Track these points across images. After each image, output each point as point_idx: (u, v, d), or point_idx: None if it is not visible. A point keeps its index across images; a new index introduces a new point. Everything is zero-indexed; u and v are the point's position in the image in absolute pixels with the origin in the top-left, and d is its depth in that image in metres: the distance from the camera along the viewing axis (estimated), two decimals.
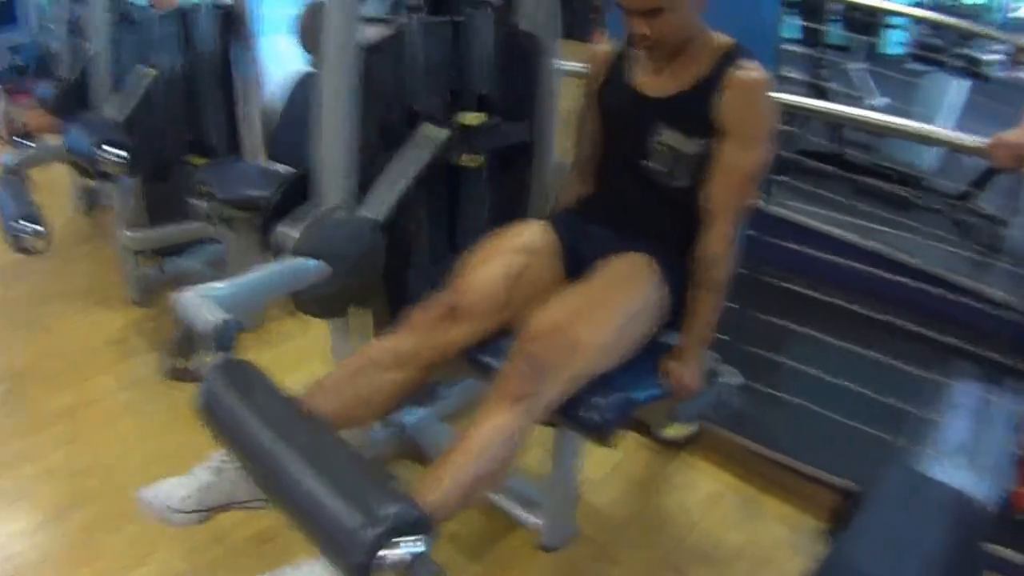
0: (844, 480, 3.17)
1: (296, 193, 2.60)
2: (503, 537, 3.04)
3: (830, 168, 4.63)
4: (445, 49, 2.79)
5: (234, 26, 4.54)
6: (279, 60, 4.56)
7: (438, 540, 1.72)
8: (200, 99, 4.60)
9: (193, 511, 2.13)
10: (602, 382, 2.16)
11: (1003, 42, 7.87)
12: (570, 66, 2.93)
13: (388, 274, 2.75)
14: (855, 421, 3.17)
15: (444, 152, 2.72)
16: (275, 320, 4.33)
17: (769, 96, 2.25)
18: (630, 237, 2.39)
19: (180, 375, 2.26)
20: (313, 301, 2.58)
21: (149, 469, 3.27)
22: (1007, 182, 5.09)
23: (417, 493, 1.87)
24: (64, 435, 3.56)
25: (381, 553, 1.56)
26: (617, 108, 2.47)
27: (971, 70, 6.78)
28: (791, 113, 3.65)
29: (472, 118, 2.83)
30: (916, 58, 7.49)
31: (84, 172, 4.36)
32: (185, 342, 2.15)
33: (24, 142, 5.10)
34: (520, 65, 2.89)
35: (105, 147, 3.81)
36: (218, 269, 4.60)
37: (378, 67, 2.58)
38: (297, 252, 2.44)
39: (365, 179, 2.59)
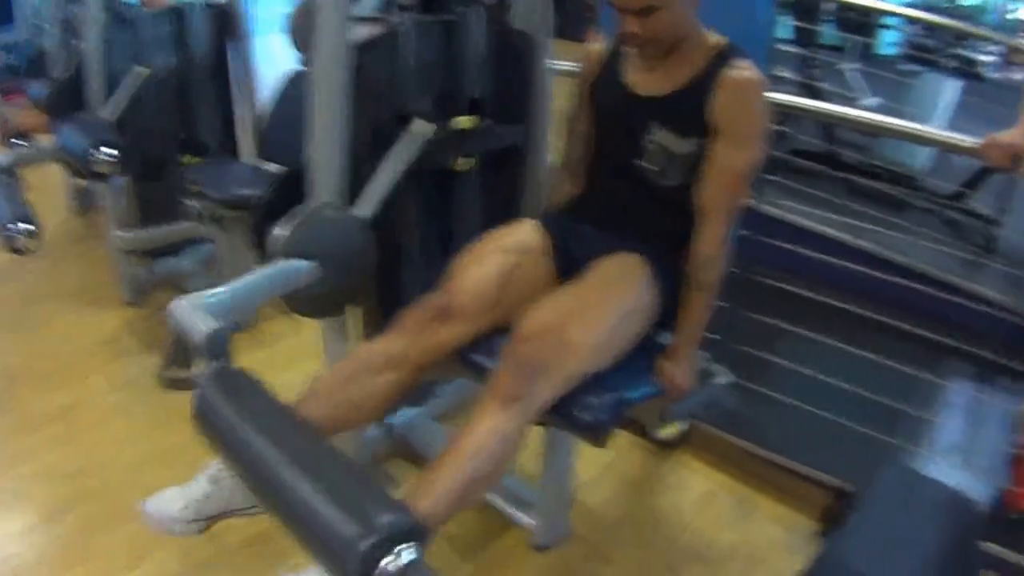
0: (838, 480, 3.18)
1: (287, 192, 2.59)
2: (496, 536, 3.04)
3: (823, 168, 4.63)
4: (437, 48, 2.78)
5: (227, 25, 4.54)
6: (272, 59, 4.55)
7: (432, 542, 1.73)
8: (193, 98, 4.59)
9: (192, 521, 2.13)
10: (595, 382, 2.16)
11: (997, 43, 7.89)
12: (563, 65, 2.93)
13: (380, 276, 2.75)
14: (849, 421, 3.18)
15: (434, 149, 2.71)
16: (267, 320, 4.33)
17: (762, 96, 2.24)
18: (622, 237, 2.39)
19: (177, 384, 2.26)
20: (305, 301, 2.57)
21: (143, 469, 3.29)
22: (1000, 183, 5.10)
23: (411, 498, 1.87)
24: (57, 436, 3.55)
25: (376, 562, 1.56)
26: (610, 107, 2.46)
27: (965, 70, 6.79)
28: (784, 113, 3.65)
29: (465, 121, 2.83)
30: (910, 58, 7.50)
31: (77, 172, 4.34)
32: (179, 352, 2.15)
33: (17, 142, 5.08)
34: (513, 65, 2.89)
35: (97, 147, 3.80)
36: (211, 269, 4.60)
37: (370, 66, 2.58)
38: (288, 253, 2.43)
39: (357, 178, 2.59)
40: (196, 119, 4.61)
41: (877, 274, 3.59)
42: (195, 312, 2.11)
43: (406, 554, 1.58)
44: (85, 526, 3.05)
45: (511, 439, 2.04)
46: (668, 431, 3.45)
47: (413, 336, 2.32)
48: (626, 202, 2.45)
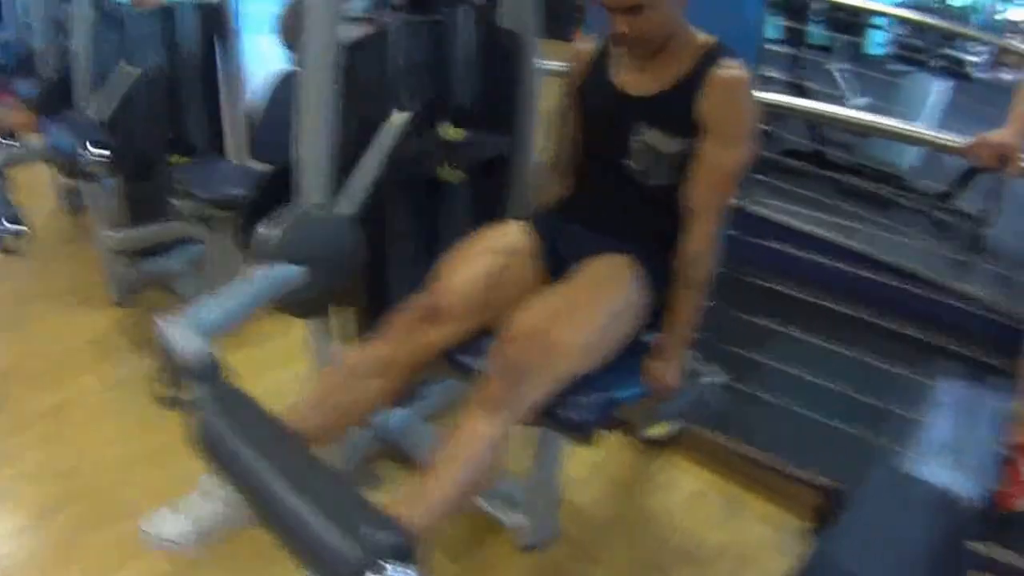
0: (827, 479, 3.18)
1: (273, 191, 2.59)
2: (484, 537, 3.04)
3: (811, 168, 4.64)
4: (426, 48, 2.78)
5: (217, 24, 4.53)
6: (261, 59, 4.55)
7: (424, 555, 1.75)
8: (182, 98, 4.58)
9: (191, 539, 2.13)
10: (583, 382, 2.16)
11: (985, 43, 7.92)
12: (552, 65, 2.93)
13: (368, 278, 2.76)
14: (838, 420, 3.18)
15: (420, 159, 2.74)
16: (255, 319, 4.30)
17: (751, 95, 2.24)
18: (611, 237, 2.39)
19: (170, 403, 2.26)
20: (293, 303, 2.57)
21: (133, 468, 3.29)
22: (988, 183, 5.11)
23: (403, 510, 1.88)
24: (47, 435, 3.55)
25: None
26: (598, 107, 2.45)
27: (954, 70, 6.82)
28: (773, 113, 3.66)
29: (453, 132, 2.83)
30: (898, 58, 7.53)
31: (66, 172, 4.34)
32: (171, 372, 2.15)
33: (6, 141, 5.07)
34: (501, 65, 2.89)
35: (87, 147, 3.79)
36: (200, 269, 4.60)
37: (359, 65, 2.57)
38: (275, 258, 2.43)
39: (345, 179, 2.58)
40: (185, 119, 4.60)
41: (866, 274, 3.60)
42: (184, 333, 2.11)
43: (401, 571, 1.61)
44: (76, 525, 3.04)
45: (499, 444, 2.06)
46: (657, 431, 3.45)
47: (401, 339, 2.33)
48: (614, 202, 2.45)
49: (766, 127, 4.42)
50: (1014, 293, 4.15)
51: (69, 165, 3.91)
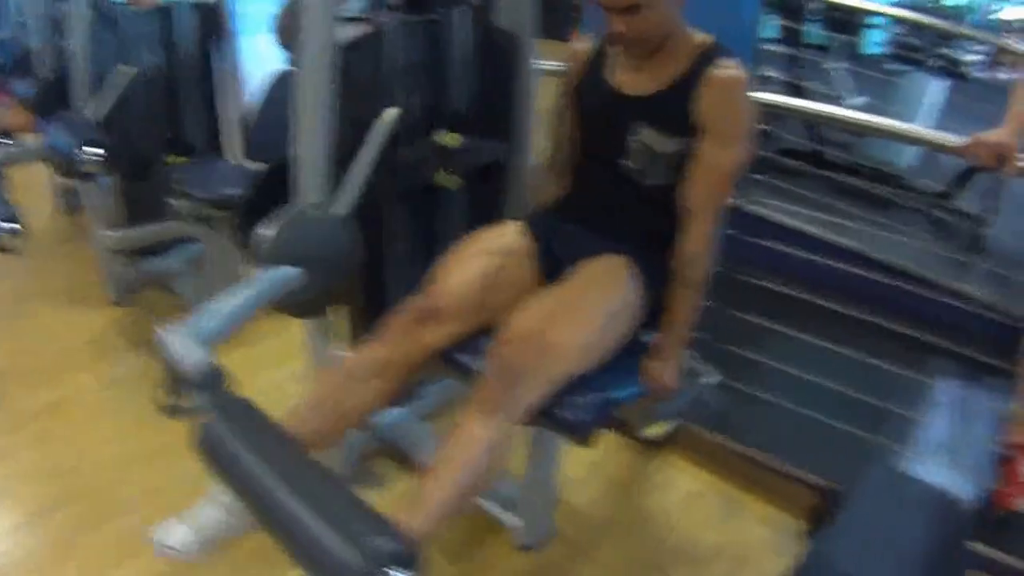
0: (824, 479, 3.18)
1: (269, 189, 2.59)
2: (482, 537, 3.03)
3: (809, 167, 4.64)
4: (423, 48, 2.78)
5: (214, 24, 4.53)
6: (259, 59, 4.54)
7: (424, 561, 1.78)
8: (180, 98, 4.57)
9: (200, 547, 2.13)
10: (581, 382, 2.16)
11: (982, 43, 7.92)
12: (549, 65, 2.92)
13: (365, 284, 2.77)
14: (835, 420, 3.18)
15: (417, 166, 2.75)
16: (252, 319, 4.31)
17: (748, 94, 2.24)
18: (608, 237, 2.39)
19: (174, 412, 2.27)
20: (291, 303, 2.57)
21: (130, 467, 3.29)
22: (987, 182, 5.11)
23: (404, 516, 1.91)
24: (44, 434, 3.55)
25: None
26: (595, 107, 2.45)
27: (951, 70, 6.81)
28: (770, 112, 3.66)
29: (450, 139, 2.84)
30: (895, 58, 7.53)
31: (63, 171, 4.33)
32: (174, 381, 2.16)
33: (3, 140, 5.06)
34: (498, 66, 2.89)
35: (84, 147, 3.79)
36: (197, 268, 4.59)
37: (355, 66, 2.57)
38: (272, 260, 2.43)
39: (341, 178, 2.58)
40: (182, 118, 4.59)
41: (864, 273, 3.60)
42: (185, 344, 2.12)
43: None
44: (73, 524, 3.04)
45: (498, 447, 2.08)
46: (654, 430, 3.45)
47: (397, 341, 2.34)
48: (611, 202, 2.45)
49: (764, 126, 4.42)
50: (1012, 293, 4.16)
51: (66, 165, 3.91)
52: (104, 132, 3.95)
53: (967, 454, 3.37)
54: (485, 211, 2.92)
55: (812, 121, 5.48)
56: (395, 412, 3.21)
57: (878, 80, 6.53)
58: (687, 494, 3.38)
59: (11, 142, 4.94)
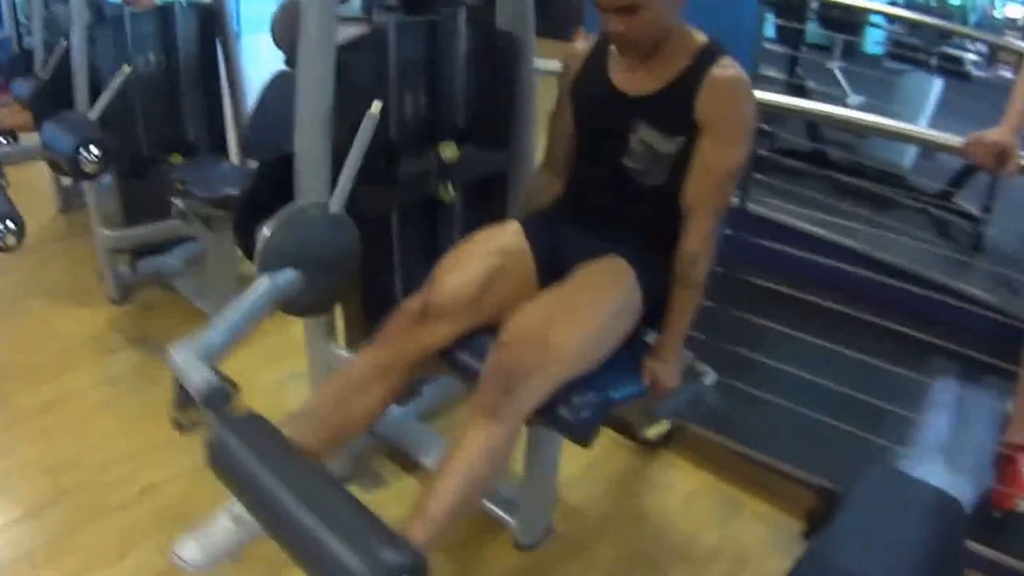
0: (823, 479, 3.17)
1: (266, 188, 2.59)
2: (481, 535, 3.03)
3: (809, 167, 4.63)
4: (421, 48, 2.78)
5: (214, 24, 4.53)
6: (259, 58, 4.54)
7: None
8: (179, 97, 4.57)
9: (218, 558, 2.13)
10: (580, 381, 2.16)
11: (982, 41, 7.92)
12: (551, 66, 2.92)
13: (364, 287, 2.77)
14: (834, 420, 3.17)
15: (420, 181, 2.79)
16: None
17: (748, 94, 2.24)
18: (607, 237, 2.38)
19: (186, 427, 2.29)
20: (292, 304, 2.57)
21: (128, 464, 3.30)
22: (986, 181, 5.11)
23: (409, 523, 1.94)
24: (43, 430, 3.55)
25: None
26: (594, 106, 2.45)
27: (950, 69, 6.81)
28: (770, 112, 3.65)
29: (452, 152, 2.84)
30: (895, 57, 7.52)
31: (62, 171, 4.33)
32: (183, 399, 2.18)
33: (3, 140, 5.06)
34: (498, 67, 2.88)
35: (83, 146, 3.78)
36: (197, 267, 4.59)
37: (354, 66, 2.57)
38: (272, 264, 2.43)
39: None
40: (182, 118, 4.59)
41: (863, 273, 3.59)
42: (193, 362, 2.15)
43: None
44: (71, 520, 3.05)
45: (499, 452, 2.09)
46: (653, 430, 3.45)
47: (397, 342, 2.34)
48: (611, 202, 2.44)
49: (764, 126, 4.42)
50: (1012, 293, 4.15)
51: (65, 164, 3.90)
52: (103, 131, 3.94)
53: (966, 454, 3.38)
54: (487, 218, 2.93)
55: (812, 120, 5.48)
56: (395, 412, 3.21)
57: (878, 79, 6.53)
58: (686, 494, 3.38)
59: (11, 141, 4.94)
